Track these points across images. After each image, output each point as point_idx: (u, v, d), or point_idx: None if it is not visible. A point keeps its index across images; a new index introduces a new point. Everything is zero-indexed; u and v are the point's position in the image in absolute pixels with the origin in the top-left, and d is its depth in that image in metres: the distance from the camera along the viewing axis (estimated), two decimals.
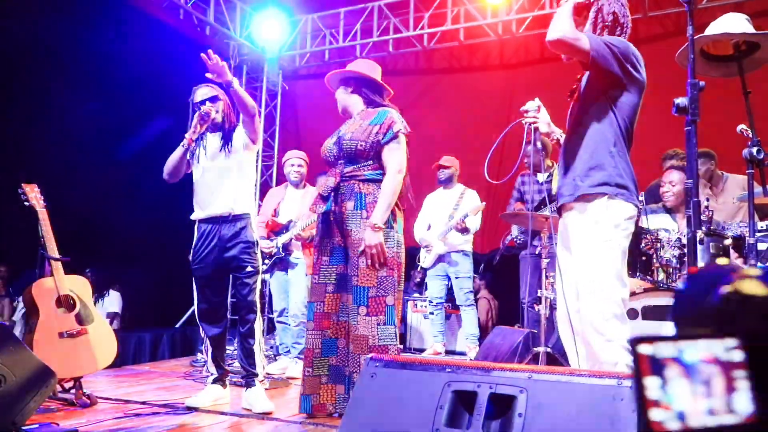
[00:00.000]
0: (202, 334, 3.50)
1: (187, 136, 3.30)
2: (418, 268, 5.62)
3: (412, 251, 6.03)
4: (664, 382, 0.50)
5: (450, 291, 5.53)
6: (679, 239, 3.15)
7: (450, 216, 5.44)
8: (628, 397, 1.52)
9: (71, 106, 6.44)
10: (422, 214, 5.73)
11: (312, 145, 8.40)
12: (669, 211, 3.89)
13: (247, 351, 3.37)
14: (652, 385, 0.50)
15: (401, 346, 2.92)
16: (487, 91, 7.62)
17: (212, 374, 3.39)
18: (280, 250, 4.63)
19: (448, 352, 5.53)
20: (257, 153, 3.76)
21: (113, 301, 6.30)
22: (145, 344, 5.50)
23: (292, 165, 4.84)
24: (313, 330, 2.98)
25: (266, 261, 4.66)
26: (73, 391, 3.27)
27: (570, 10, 2.40)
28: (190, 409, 3.14)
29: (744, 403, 0.50)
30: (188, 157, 3.45)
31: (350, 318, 2.87)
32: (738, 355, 0.51)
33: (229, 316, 3.72)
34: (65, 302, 3.29)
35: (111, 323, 6.22)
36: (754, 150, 2.54)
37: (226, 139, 3.44)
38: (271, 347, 5.06)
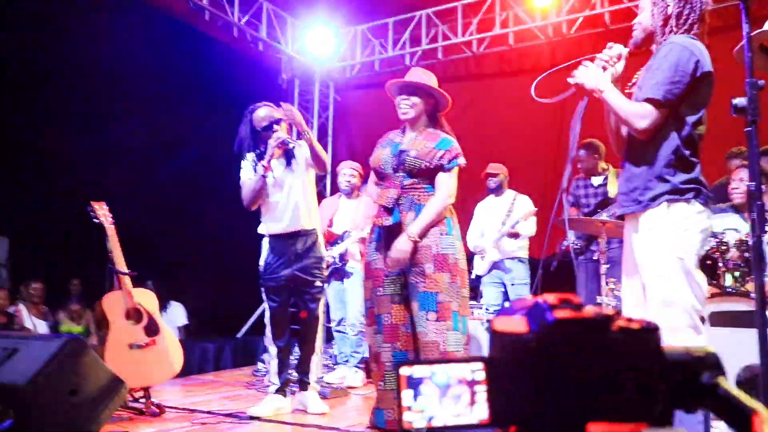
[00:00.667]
0: (267, 343, 3.61)
1: (263, 163, 3.39)
2: (473, 275, 5.59)
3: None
4: (418, 394, 0.66)
5: (507, 299, 5.48)
6: (746, 242, 3.03)
7: (502, 222, 5.40)
8: None
9: (130, 123, 6.72)
10: (474, 222, 5.71)
11: (364, 156, 8.49)
12: (738, 210, 3.74)
13: (305, 361, 3.48)
14: (407, 395, 0.66)
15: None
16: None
17: (274, 384, 3.47)
18: (337, 260, 4.70)
19: None
20: None
21: (179, 312, 6.51)
22: (209, 354, 5.66)
23: (344, 175, 4.91)
24: (383, 343, 2.99)
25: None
26: (143, 400, 3.41)
27: (613, 94, 2.35)
28: (253, 419, 3.22)
29: (481, 411, 0.66)
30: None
31: (418, 325, 2.88)
32: (480, 375, 0.67)
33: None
34: (134, 314, 3.44)
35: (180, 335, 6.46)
36: None
37: (290, 156, 3.55)
38: (330, 356, 5.13)
